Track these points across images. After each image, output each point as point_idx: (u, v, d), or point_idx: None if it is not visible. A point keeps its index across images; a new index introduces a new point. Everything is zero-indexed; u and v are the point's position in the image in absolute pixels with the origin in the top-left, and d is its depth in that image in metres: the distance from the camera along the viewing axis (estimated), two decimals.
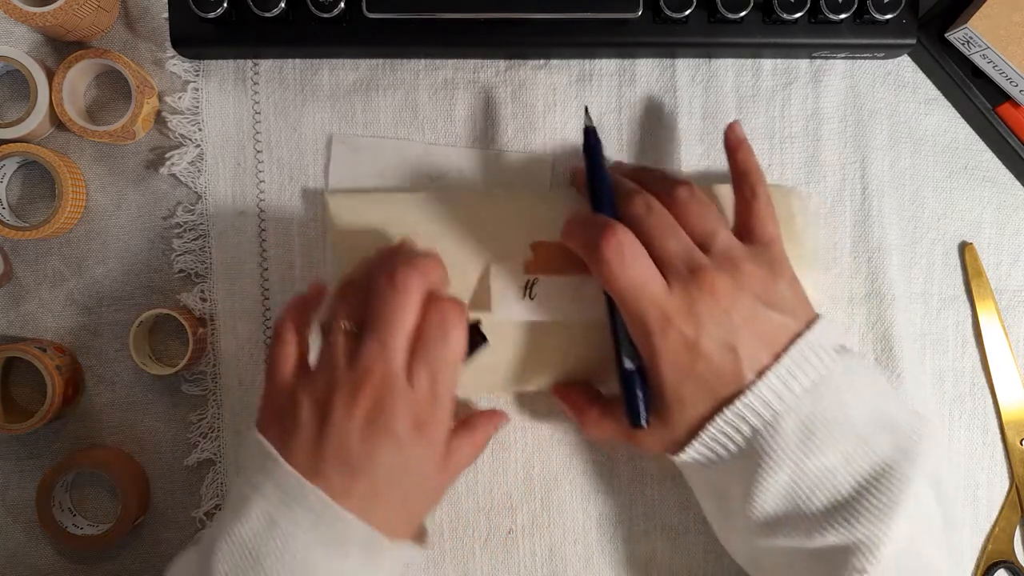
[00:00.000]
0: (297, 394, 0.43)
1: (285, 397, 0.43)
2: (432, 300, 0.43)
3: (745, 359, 0.42)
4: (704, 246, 0.44)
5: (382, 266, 0.44)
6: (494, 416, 0.49)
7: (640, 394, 0.45)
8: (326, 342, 0.44)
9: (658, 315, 0.42)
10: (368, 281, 0.44)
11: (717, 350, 0.42)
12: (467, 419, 0.48)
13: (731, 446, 0.43)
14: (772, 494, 0.42)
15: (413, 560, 0.44)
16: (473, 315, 0.47)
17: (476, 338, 0.47)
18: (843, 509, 0.41)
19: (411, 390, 0.42)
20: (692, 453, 0.44)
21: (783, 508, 0.42)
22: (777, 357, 0.42)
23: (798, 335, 0.43)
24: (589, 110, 0.51)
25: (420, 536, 0.47)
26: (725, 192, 0.53)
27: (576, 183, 0.52)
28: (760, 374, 0.42)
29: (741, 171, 0.48)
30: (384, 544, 0.41)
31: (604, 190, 0.47)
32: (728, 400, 0.42)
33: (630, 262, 0.42)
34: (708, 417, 0.43)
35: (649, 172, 0.51)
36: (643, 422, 0.44)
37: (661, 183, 0.47)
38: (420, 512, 0.45)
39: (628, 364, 0.45)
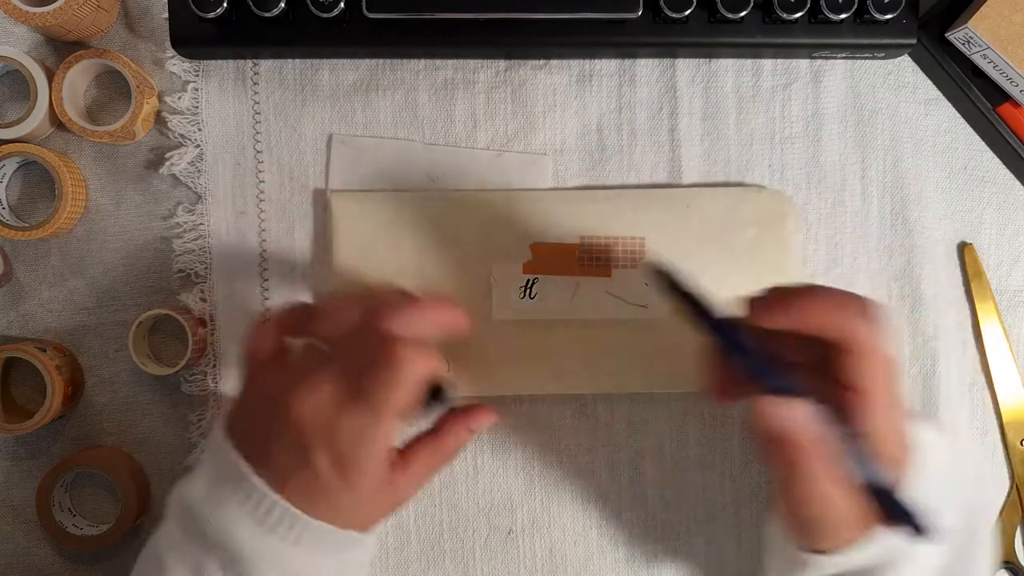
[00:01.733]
0: (260, 398, 0.43)
1: (252, 394, 0.44)
2: (388, 340, 0.41)
3: None
4: None
5: (373, 321, 0.42)
6: (468, 418, 0.46)
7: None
8: (295, 355, 0.44)
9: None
10: (357, 330, 0.42)
11: None
12: (435, 428, 0.46)
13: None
14: None
15: (356, 548, 0.43)
16: (450, 377, 0.44)
17: (440, 394, 0.44)
18: None
19: (339, 418, 0.40)
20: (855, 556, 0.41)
21: None
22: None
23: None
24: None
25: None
26: (727, 193, 0.53)
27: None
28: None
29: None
30: (310, 523, 0.41)
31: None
32: None
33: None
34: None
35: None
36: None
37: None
38: (361, 521, 0.43)
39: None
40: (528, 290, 0.52)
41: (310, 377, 0.41)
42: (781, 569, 0.45)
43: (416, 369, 0.41)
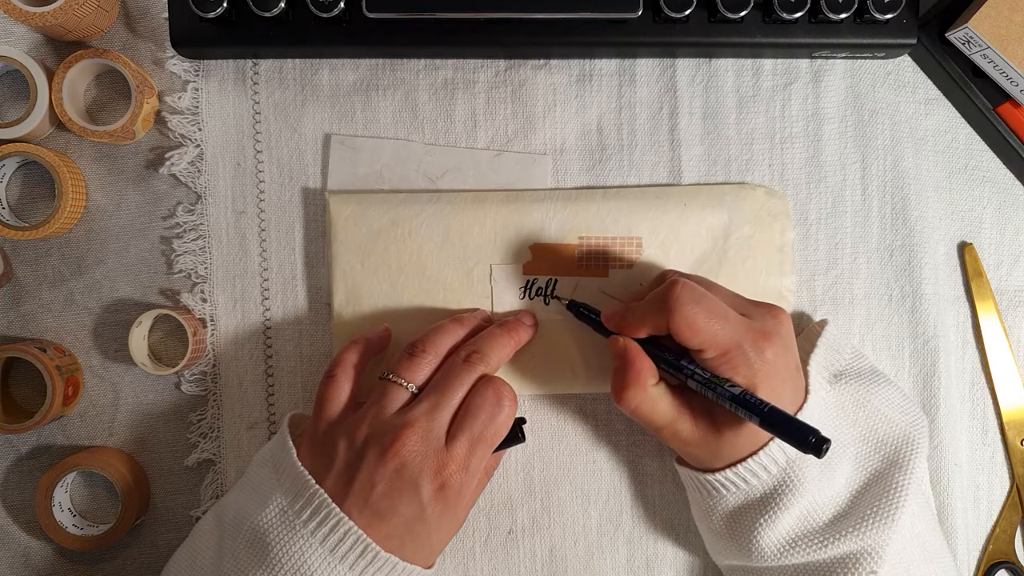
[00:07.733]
0: (339, 431, 0.45)
1: (328, 431, 0.46)
2: (489, 379, 0.47)
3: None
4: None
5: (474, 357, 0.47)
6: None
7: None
8: (381, 390, 0.46)
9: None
10: (449, 363, 0.47)
11: None
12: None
13: (764, 474, 0.45)
14: (793, 515, 0.45)
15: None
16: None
17: (516, 431, 0.48)
18: (848, 522, 0.45)
19: (445, 452, 0.44)
20: (729, 475, 0.46)
21: (798, 528, 0.46)
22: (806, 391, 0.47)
23: (808, 374, 0.48)
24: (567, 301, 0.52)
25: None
26: (723, 192, 0.53)
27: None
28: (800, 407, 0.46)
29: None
30: (398, 565, 0.44)
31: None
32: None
33: None
34: (756, 448, 0.45)
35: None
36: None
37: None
38: (433, 553, 0.47)
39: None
40: (528, 290, 0.52)
41: (413, 415, 0.44)
42: (695, 499, 0.50)
43: (515, 407, 0.47)
